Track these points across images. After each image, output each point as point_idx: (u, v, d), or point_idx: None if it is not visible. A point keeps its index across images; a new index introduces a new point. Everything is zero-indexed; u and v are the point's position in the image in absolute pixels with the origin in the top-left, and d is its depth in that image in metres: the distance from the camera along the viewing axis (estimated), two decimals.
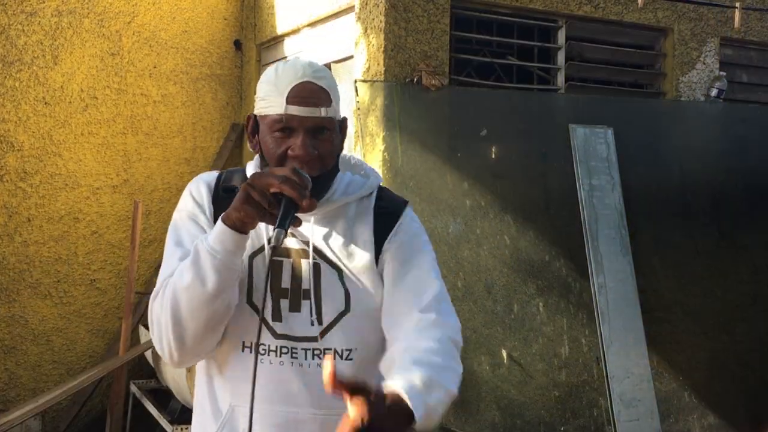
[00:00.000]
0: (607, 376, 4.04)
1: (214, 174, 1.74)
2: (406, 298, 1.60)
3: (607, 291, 4.12)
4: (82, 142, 5.12)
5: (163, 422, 4.34)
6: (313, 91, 1.58)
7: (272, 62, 5.44)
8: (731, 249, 4.61)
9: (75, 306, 5.14)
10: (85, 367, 5.15)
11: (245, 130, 1.72)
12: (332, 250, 1.63)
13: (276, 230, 1.42)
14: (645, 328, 4.18)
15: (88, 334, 5.20)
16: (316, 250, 1.63)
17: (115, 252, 5.25)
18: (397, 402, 1.33)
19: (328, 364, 1.24)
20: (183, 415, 4.45)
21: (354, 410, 1.24)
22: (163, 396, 4.82)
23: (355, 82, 4.01)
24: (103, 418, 4.85)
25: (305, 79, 1.58)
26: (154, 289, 1.56)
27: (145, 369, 5.16)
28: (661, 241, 4.42)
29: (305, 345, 1.60)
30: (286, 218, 1.43)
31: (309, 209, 1.45)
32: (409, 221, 1.72)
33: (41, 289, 5.02)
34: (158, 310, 1.53)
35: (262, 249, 1.62)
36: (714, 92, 4.78)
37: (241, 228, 1.46)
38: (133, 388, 4.94)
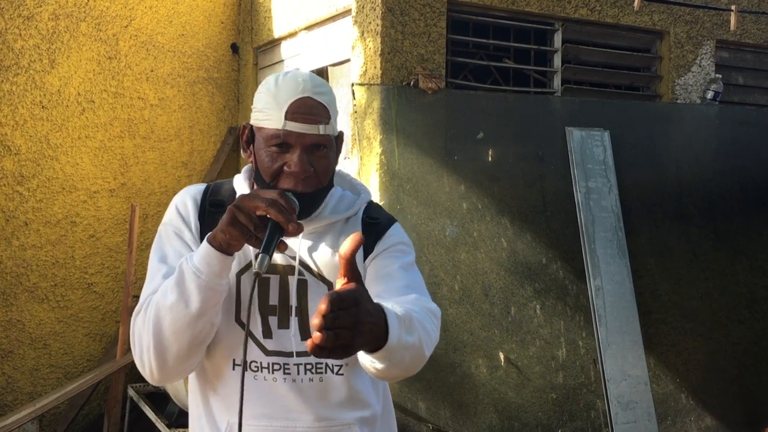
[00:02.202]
0: (604, 379, 4.04)
1: (201, 187, 1.71)
2: (384, 289, 1.58)
3: (604, 293, 4.13)
4: (79, 146, 5.12)
5: (161, 426, 4.33)
6: (312, 108, 1.56)
7: (269, 65, 5.45)
8: (728, 251, 4.62)
9: (72, 310, 5.14)
10: (82, 370, 5.14)
11: (240, 138, 1.70)
12: (320, 265, 1.61)
13: (260, 256, 1.39)
14: (642, 330, 4.19)
15: (85, 338, 5.19)
16: (304, 266, 1.61)
17: (112, 255, 5.25)
18: (380, 312, 1.29)
19: (354, 239, 1.23)
20: (180, 418, 4.45)
21: (343, 281, 1.23)
22: (161, 399, 4.82)
23: (352, 85, 4.02)
24: (101, 422, 4.84)
25: (305, 95, 1.56)
26: (137, 305, 1.54)
27: None
28: (657, 244, 4.43)
29: (297, 360, 1.59)
30: (270, 243, 1.40)
31: (295, 233, 1.42)
32: (396, 234, 1.70)
33: (38, 292, 5.01)
34: (140, 328, 1.51)
35: (249, 266, 1.60)
36: (710, 95, 4.80)
37: (227, 249, 1.44)
38: (131, 392, 4.93)
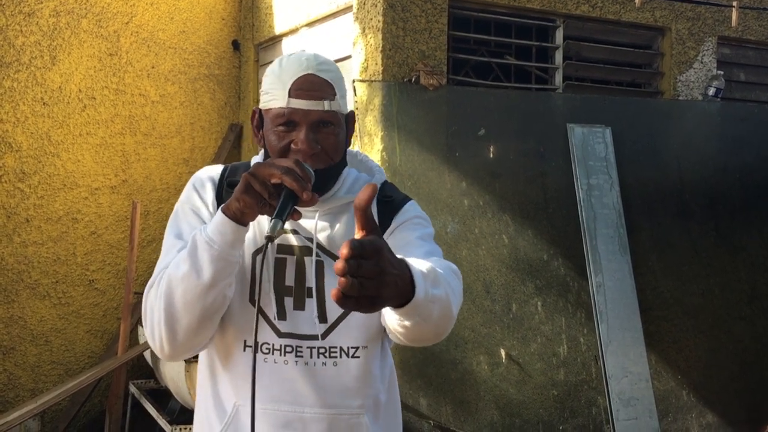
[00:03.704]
0: (605, 375, 4.04)
1: (219, 168, 1.71)
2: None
3: (605, 290, 4.13)
4: (81, 143, 5.12)
5: (162, 422, 4.34)
6: (316, 84, 1.55)
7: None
8: (729, 248, 4.62)
9: (74, 306, 5.14)
10: (83, 367, 5.15)
11: (251, 123, 1.70)
12: (336, 246, 1.59)
13: (273, 221, 1.37)
14: (643, 327, 4.19)
15: (86, 335, 5.20)
16: (320, 247, 1.60)
17: (113, 252, 5.25)
18: (404, 265, 1.25)
19: (366, 189, 1.19)
20: (182, 415, 4.45)
21: (361, 234, 1.19)
22: (162, 396, 4.82)
23: (354, 81, 4.02)
24: (102, 419, 4.85)
25: (309, 72, 1.56)
26: (150, 279, 1.53)
27: (143, 369, 5.16)
28: (659, 240, 4.43)
29: (310, 343, 1.57)
30: (284, 209, 1.39)
31: (310, 203, 1.41)
32: (412, 209, 1.69)
33: (40, 289, 5.02)
34: (153, 300, 1.49)
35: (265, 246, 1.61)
36: (711, 91, 4.79)
37: (241, 218, 1.43)
38: (132, 389, 4.94)
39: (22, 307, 4.96)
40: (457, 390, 3.87)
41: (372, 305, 1.15)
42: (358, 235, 1.20)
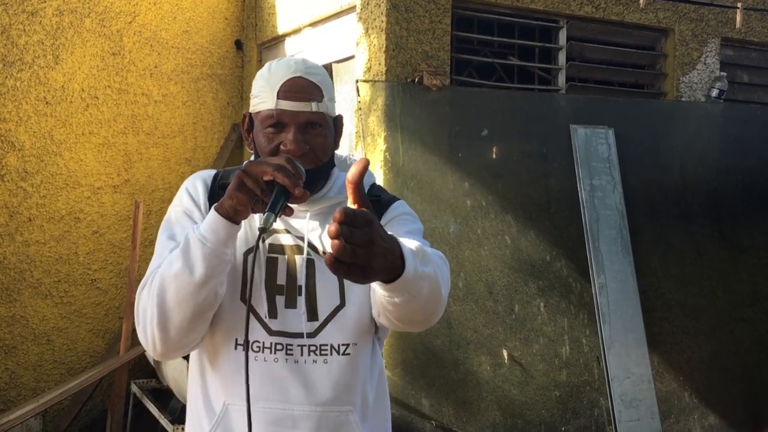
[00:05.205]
0: (607, 377, 4.04)
1: (212, 172, 1.74)
2: None
3: (607, 291, 4.13)
4: (83, 142, 5.12)
5: (164, 422, 4.34)
6: (304, 86, 1.60)
7: None
8: (731, 249, 4.62)
9: (76, 306, 5.14)
10: (85, 366, 5.15)
11: (241, 128, 1.74)
12: (327, 246, 1.62)
13: (266, 214, 1.40)
14: (645, 328, 4.19)
15: (88, 334, 5.20)
16: (311, 246, 1.63)
17: (115, 252, 5.25)
18: (395, 241, 1.29)
19: (359, 163, 1.24)
20: (184, 414, 4.44)
21: (354, 205, 1.23)
22: (164, 396, 4.82)
23: (357, 82, 4.01)
24: (104, 418, 4.85)
25: (297, 75, 1.60)
26: (143, 279, 1.55)
27: (145, 369, 5.16)
28: (661, 242, 4.43)
29: (301, 341, 1.59)
30: (276, 203, 1.42)
31: (301, 199, 1.44)
32: (400, 206, 1.72)
33: (42, 288, 5.01)
34: (145, 299, 1.52)
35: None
36: (715, 93, 4.79)
37: (234, 216, 1.45)
38: (134, 388, 4.94)
39: (24, 306, 4.96)
40: (459, 391, 3.87)
41: (363, 275, 1.18)
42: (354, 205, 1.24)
